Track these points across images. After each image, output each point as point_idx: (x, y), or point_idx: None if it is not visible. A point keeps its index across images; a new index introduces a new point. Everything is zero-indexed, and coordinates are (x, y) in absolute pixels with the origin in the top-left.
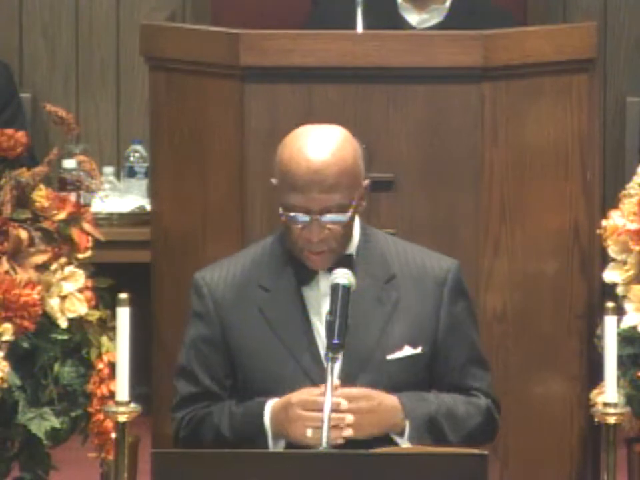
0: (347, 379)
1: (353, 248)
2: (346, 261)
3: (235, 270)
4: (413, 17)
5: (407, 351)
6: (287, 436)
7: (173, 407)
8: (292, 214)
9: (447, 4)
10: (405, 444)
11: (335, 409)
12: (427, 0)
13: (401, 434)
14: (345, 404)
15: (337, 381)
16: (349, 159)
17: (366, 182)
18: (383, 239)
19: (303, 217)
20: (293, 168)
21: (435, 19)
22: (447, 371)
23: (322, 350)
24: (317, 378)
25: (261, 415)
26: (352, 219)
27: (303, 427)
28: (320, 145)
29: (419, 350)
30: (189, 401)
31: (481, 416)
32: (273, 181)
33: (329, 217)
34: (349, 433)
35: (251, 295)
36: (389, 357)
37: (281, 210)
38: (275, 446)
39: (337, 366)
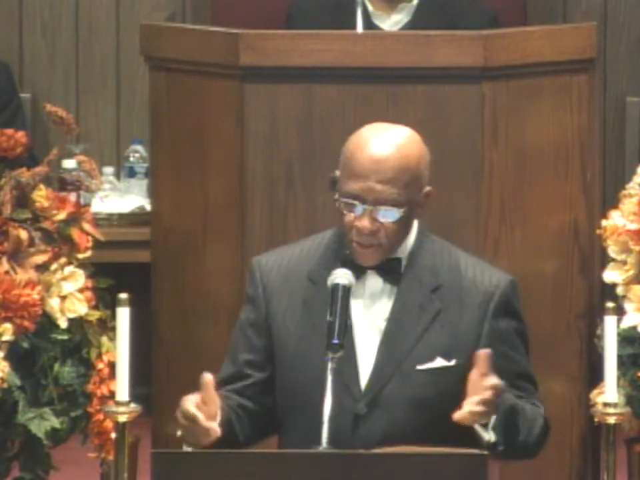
0: (377, 383)
1: (405, 252)
2: (394, 265)
3: (289, 258)
4: (385, 23)
5: (438, 362)
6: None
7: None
8: (347, 200)
9: (415, 1)
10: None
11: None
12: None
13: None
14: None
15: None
16: (413, 158)
17: (428, 189)
18: (438, 247)
19: (357, 206)
20: (357, 155)
21: (406, 18)
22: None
23: (356, 349)
24: (346, 378)
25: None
26: (406, 219)
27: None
28: (387, 139)
29: (452, 362)
30: (225, 382)
31: (542, 418)
32: (337, 172)
33: (382, 209)
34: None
35: (300, 285)
36: (419, 367)
37: (336, 195)
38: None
39: (369, 369)
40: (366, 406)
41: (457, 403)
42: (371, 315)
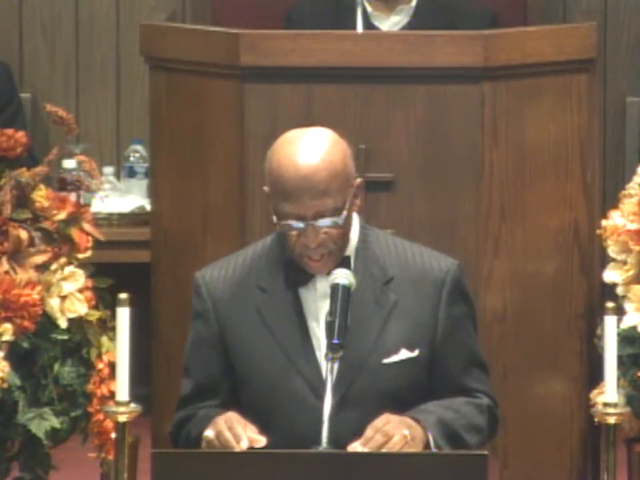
0: (343, 382)
1: (351, 249)
2: (344, 263)
3: (234, 269)
4: (383, 24)
5: (404, 354)
6: None
7: (175, 407)
8: (286, 222)
9: (413, 3)
10: None
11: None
12: (394, 1)
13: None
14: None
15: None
16: (338, 161)
17: (358, 181)
18: (382, 240)
19: (297, 224)
20: (283, 176)
21: (404, 19)
22: (446, 373)
23: (317, 351)
24: (310, 379)
25: (201, 434)
26: (347, 221)
27: None
28: (308, 151)
29: (415, 353)
30: (187, 400)
31: (484, 414)
32: (265, 188)
33: (323, 221)
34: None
35: (249, 294)
36: (385, 360)
37: (275, 218)
38: None
39: (334, 369)
40: (336, 405)
41: (425, 393)
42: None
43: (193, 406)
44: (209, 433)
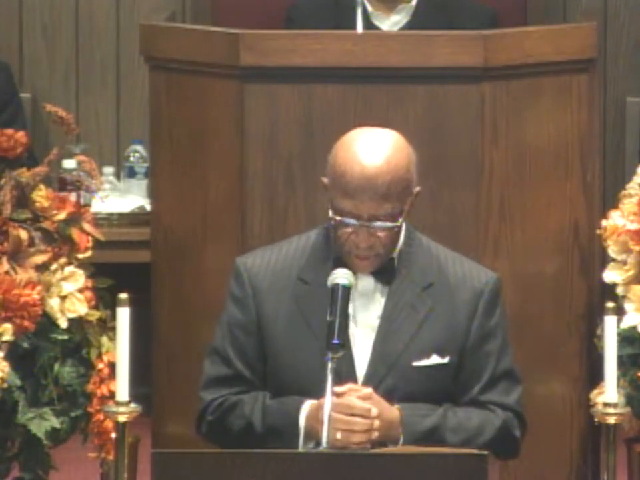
0: (371, 381)
1: (395, 252)
2: (387, 265)
3: (276, 258)
4: (384, 23)
5: (434, 359)
6: (318, 437)
7: (201, 386)
8: (342, 218)
9: (413, 2)
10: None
11: (365, 415)
12: (394, 0)
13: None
14: (375, 411)
15: (367, 390)
16: (403, 167)
17: (417, 189)
18: (426, 245)
19: (352, 222)
20: (347, 173)
21: (405, 19)
22: (471, 383)
23: (352, 348)
24: (342, 374)
25: (297, 414)
26: (400, 227)
27: (334, 430)
28: (374, 151)
29: (446, 360)
30: (220, 383)
31: (493, 432)
32: (324, 179)
33: (378, 224)
34: (375, 435)
35: (290, 285)
36: (415, 363)
37: (330, 212)
38: (304, 446)
39: (364, 367)
40: None
41: (450, 399)
42: (365, 313)
43: (228, 390)
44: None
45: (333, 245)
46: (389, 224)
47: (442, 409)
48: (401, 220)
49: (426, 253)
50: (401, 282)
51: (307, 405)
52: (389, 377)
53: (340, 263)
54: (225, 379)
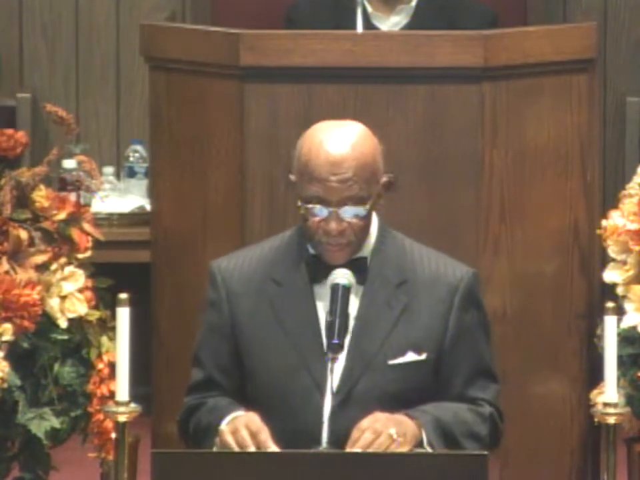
0: (348, 381)
1: (368, 249)
2: (360, 263)
3: (250, 261)
4: (384, 24)
5: (410, 356)
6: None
7: (185, 393)
8: (310, 205)
9: (413, 2)
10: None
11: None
12: (394, 1)
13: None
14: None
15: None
16: (368, 153)
17: (384, 179)
18: (400, 242)
19: (321, 210)
20: (313, 159)
21: (405, 19)
22: (452, 379)
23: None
24: (317, 376)
25: (217, 426)
26: (370, 214)
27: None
28: (340, 139)
29: (422, 356)
30: (195, 388)
31: (485, 422)
32: (291, 177)
33: (347, 209)
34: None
35: (263, 287)
36: (391, 361)
37: (299, 202)
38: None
39: (340, 367)
40: (339, 403)
41: (431, 397)
42: None
43: (201, 395)
44: (225, 427)
45: (305, 240)
46: (358, 209)
47: (430, 405)
48: (369, 204)
49: (400, 249)
50: (374, 280)
51: (225, 421)
52: (364, 376)
53: (314, 261)
54: (199, 384)
